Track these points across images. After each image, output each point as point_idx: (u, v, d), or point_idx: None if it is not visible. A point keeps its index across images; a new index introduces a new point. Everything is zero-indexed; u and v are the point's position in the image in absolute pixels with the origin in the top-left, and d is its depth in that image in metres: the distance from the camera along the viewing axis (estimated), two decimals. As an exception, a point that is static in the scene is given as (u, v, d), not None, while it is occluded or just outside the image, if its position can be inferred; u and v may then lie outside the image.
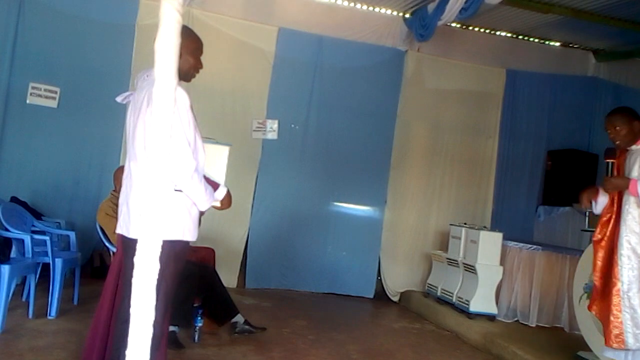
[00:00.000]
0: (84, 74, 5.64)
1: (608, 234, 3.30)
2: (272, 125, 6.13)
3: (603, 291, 3.32)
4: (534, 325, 5.20)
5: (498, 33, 6.84)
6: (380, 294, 6.45)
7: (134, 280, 1.83)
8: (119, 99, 2.61)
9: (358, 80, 6.46)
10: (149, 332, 1.69)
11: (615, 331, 3.19)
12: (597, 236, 3.34)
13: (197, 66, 2.56)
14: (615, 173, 3.31)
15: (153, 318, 1.62)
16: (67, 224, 5.25)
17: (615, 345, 3.21)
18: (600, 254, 3.29)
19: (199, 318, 3.87)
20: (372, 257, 6.47)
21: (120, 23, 5.71)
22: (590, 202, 3.42)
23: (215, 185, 2.55)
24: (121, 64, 5.58)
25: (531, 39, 6.94)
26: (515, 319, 5.31)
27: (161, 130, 1.71)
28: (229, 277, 5.63)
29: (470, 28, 6.78)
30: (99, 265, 5.48)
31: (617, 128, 3.24)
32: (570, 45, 7.10)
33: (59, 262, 4.13)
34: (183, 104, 2.33)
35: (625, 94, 6.92)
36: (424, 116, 6.78)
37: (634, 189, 3.10)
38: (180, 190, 2.37)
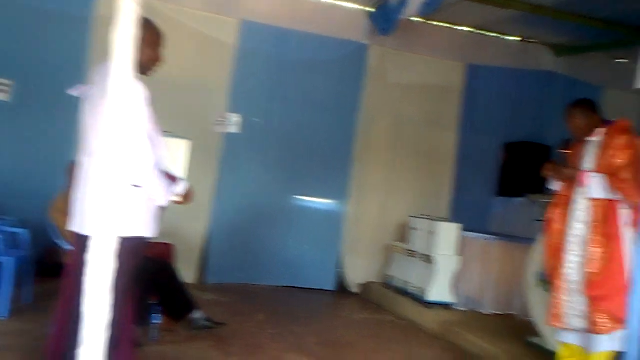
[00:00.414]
0: (38, 67, 5.47)
1: (560, 218, 3.42)
2: (234, 118, 6.07)
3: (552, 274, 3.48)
4: (488, 313, 5.35)
5: (459, 28, 6.91)
6: (341, 286, 6.50)
7: (86, 279, 1.80)
8: (73, 91, 2.55)
9: (321, 73, 6.45)
10: (104, 330, 1.67)
11: (554, 311, 3.34)
12: (548, 216, 3.47)
13: (157, 59, 2.53)
14: (569, 163, 3.43)
15: (109, 316, 1.60)
16: (19, 221, 5.07)
17: (554, 324, 3.38)
18: (553, 235, 3.43)
19: (157, 315, 3.82)
20: (333, 249, 6.51)
21: (76, 14, 5.53)
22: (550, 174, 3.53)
23: (175, 180, 2.52)
24: (77, 56, 5.41)
25: (491, 34, 7.04)
26: (471, 307, 5.44)
27: (117, 125, 1.68)
28: (188, 273, 5.53)
29: (432, 22, 6.83)
30: (52, 263, 5.33)
31: (577, 119, 3.34)
32: (529, 40, 7.23)
33: (10, 261, 4.01)
34: (140, 97, 2.29)
35: (582, 88, 7.08)
36: (386, 110, 6.82)
37: (582, 180, 3.22)
38: (138, 186, 2.34)
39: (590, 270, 3.19)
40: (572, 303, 3.27)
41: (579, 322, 3.25)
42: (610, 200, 3.16)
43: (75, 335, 2.16)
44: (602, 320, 3.12)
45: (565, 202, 3.42)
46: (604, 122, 3.37)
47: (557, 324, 3.37)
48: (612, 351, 3.19)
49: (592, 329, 3.17)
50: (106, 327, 1.78)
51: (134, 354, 2.72)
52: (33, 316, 4.04)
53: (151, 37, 2.46)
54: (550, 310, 3.38)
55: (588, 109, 3.37)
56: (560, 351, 3.46)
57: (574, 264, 3.30)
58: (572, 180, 3.34)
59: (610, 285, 3.11)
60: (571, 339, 3.36)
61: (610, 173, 3.14)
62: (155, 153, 2.36)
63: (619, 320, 3.06)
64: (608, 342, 3.16)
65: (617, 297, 3.07)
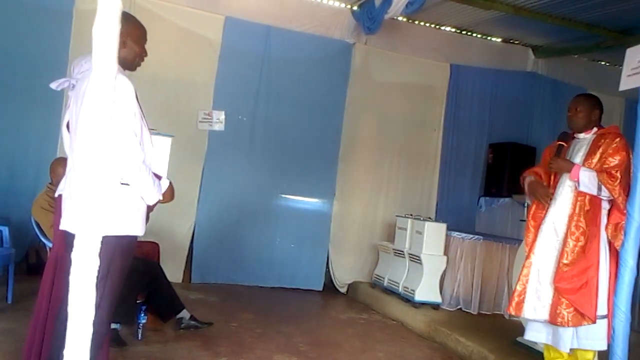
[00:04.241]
0: (19, 61, 5.33)
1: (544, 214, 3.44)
2: (219, 116, 5.98)
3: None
4: (475, 313, 5.38)
5: (443, 28, 6.98)
6: (329, 286, 6.48)
7: (71, 278, 1.75)
8: (53, 85, 2.51)
9: (306, 72, 6.43)
10: (88, 330, 1.62)
11: (517, 299, 3.33)
12: (532, 208, 3.49)
13: (142, 54, 2.51)
14: (563, 156, 3.45)
15: (93, 316, 1.56)
16: (1, 218, 4.99)
17: (514, 312, 3.36)
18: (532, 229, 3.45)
19: (143, 314, 3.77)
20: (320, 249, 6.48)
21: (57, 8, 5.44)
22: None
23: (157, 178, 2.48)
24: (58, 50, 5.32)
25: (474, 35, 7.12)
26: (458, 307, 5.46)
27: (101, 121, 1.63)
28: (174, 272, 5.49)
29: (417, 22, 6.88)
30: (35, 262, 5.25)
31: (578, 109, 3.37)
32: (511, 41, 7.32)
33: (-10, 259, 3.91)
34: (128, 93, 2.25)
35: (562, 89, 7.22)
36: (371, 109, 6.83)
37: (575, 173, 3.23)
38: (127, 184, 2.29)
39: (563, 262, 3.20)
40: (537, 292, 3.27)
41: (541, 313, 3.24)
42: (594, 197, 3.19)
43: (61, 336, 2.12)
44: (565, 313, 3.12)
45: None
46: (599, 125, 3.42)
47: (516, 313, 3.35)
48: (594, 351, 3.21)
49: (554, 321, 3.17)
50: (91, 326, 1.73)
51: (109, 353, 2.67)
52: (16, 315, 3.95)
53: (136, 32, 2.44)
54: (512, 298, 3.35)
55: (591, 102, 3.41)
56: (545, 352, 3.47)
57: (545, 253, 3.31)
58: (563, 171, 3.36)
59: (580, 280, 3.11)
60: (543, 338, 3.34)
61: (602, 171, 3.17)
62: (144, 150, 2.32)
63: (582, 316, 3.08)
64: (576, 340, 3.16)
65: (584, 293, 3.09)
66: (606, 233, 3.16)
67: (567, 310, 3.13)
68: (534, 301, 3.27)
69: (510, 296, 3.40)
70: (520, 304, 3.31)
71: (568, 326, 3.13)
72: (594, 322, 3.05)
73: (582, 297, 3.09)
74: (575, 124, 3.41)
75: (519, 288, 3.33)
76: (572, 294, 3.12)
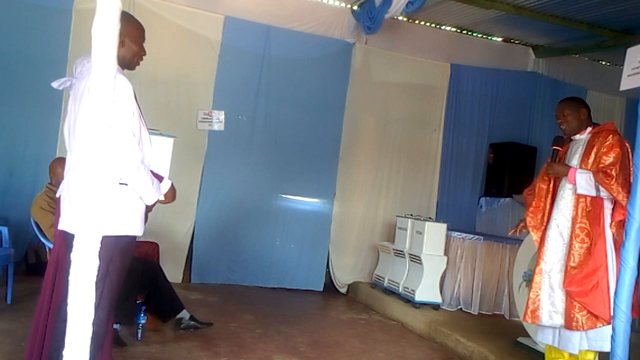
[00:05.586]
0: (17, 60, 5.33)
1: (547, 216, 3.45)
2: (219, 116, 5.96)
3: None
4: (476, 313, 5.37)
5: (443, 27, 6.97)
6: (329, 286, 6.47)
7: (70, 278, 1.74)
8: (55, 84, 2.50)
9: (306, 71, 6.42)
10: (88, 330, 1.61)
11: (532, 307, 3.33)
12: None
13: (141, 53, 2.50)
14: (559, 160, 3.46)
15: (93, 316, 1.56)
16: (0, 218, 4.98)
17: (530, 320, 3.37)
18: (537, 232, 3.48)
19: (142, 315, 3.76)
20: (321, 249, 6.47)
21: (56, 7, 5.42)
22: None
23: (158, 178, 2.48)
24: (57, 49, 5.32)
25: (474, 34, 7.11)
26: (459, 307, 5.45)
27: (100, 121, 1.62)
28: (174, 272, 5.49)
29: (417, 22, 6.87)
30: (34, 262, 5.24)
31: (565, 113, 3.39)
32: (512, 40, 7.32)
33: (-11, 260, 3.90)
34: (126, 93, 2.25)
35: (563, 89, 7.20)
36: (371, 108, 6.82)
37: (572, 176, 3.24)
38: (125, 184, 2.29)
39: (571, 265, 3.20)
40: (550, 298, 3.27)
41: (556, 319, 3.24)
42: (596, 198, 3.19)
43: (60, 336, 2.11)
44: (579, 316, 3.11)
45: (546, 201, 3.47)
46: (592, 123, 3.42)
47: (533, 321, 3.36)
48: (595, 351, 3.20)
49: (568, 325, 3.16)
50: (91, 326, 1.73)
51: (112, 353, 2.66)
52: (15, 316, 3.94)
53: (134, 31, 2.43)
54: (527, 306, 3.36)
55: (577, 104, 3.43)
56: (547, 352, 3.46)
57: (554, 257, 3.31)
58: (560, 176, 3.36)
59: (590, 282, 3.11)
60: (550, 339, 3.35)
61: (598, 170, 3.17)
62: (142, 150, 2.31)
63: (596, 318, 3.08)
64: (585, 341, 3.16)
65: (595, 294, 3.08)
66: (611, 231, 3.15)
67: (581, 313, 3.12)
68: (548, 307, 3.28)
69: (525, 305, 3.40)
70: (535, 311, 3.31)
71: (583, 329, 3.12)
72: (609, 323, 3.03)
73: (595, 299, 3.08)
74: (567, 128, 3.43)
75: (532, 295, 3.33)
76: (584, 296, 3.11)
